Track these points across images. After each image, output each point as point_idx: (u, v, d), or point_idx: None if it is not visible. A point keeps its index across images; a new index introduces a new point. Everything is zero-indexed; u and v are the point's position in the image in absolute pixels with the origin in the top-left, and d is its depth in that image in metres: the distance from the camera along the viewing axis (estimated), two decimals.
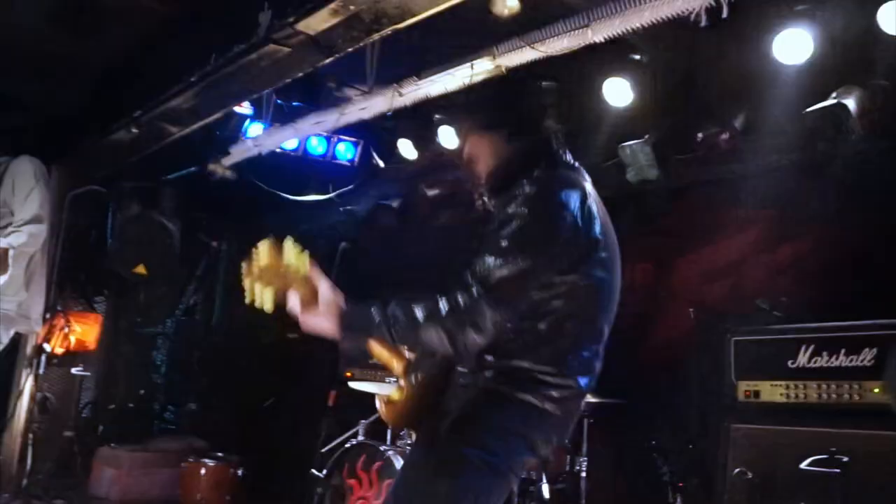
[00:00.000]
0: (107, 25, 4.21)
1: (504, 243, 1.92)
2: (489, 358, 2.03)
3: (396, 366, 2.20)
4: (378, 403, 2.24)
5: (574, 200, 2.04)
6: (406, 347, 1.98)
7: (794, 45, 3.74)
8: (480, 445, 1.95)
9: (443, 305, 1.89)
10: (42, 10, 4.02)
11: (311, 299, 1.93)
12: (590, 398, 4.11)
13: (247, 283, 1.91)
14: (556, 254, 1.99)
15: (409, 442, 4.28)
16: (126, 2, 4.37)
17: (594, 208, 2.11)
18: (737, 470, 3.46)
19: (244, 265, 1.92)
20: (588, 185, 2.18)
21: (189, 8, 4.48)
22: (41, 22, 4.07)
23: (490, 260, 1.91)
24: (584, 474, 4.08)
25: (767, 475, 3.40)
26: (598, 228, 2.09)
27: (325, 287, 1.95)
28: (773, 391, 3.59)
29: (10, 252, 3.78)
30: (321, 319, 1.94)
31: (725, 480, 3.58)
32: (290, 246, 1.93)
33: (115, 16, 4.25)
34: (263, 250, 1.91)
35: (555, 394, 2.00)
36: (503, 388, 2.00)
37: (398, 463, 4.06)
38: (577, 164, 2.23)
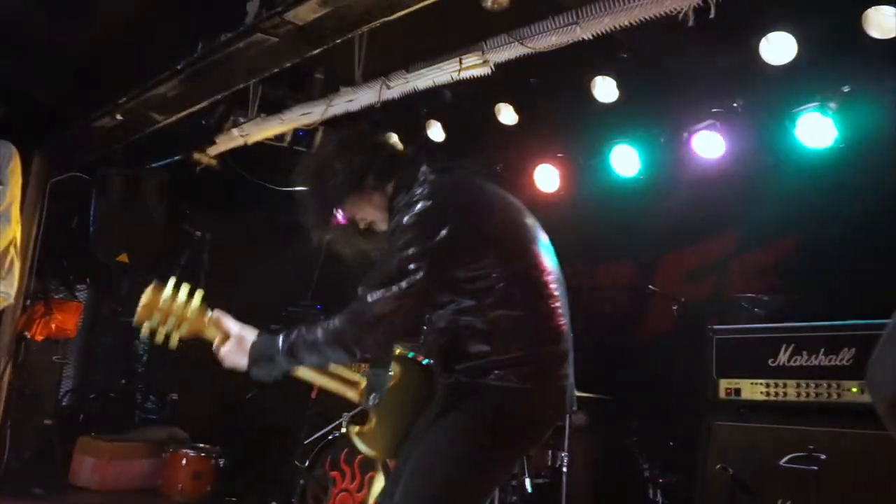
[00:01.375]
0: (92, 9, 4.16)
1: (393, 247, 2.06)
2: (457, 366, 2.09)
3: (351, 394, 2.24)
4: (353, 439, 2.23)
5: (446, 199, 2.12)
6: (323, 367, 2.16)
7: (778, 46, 3.78)
8: (477, 443, 2.00)
9: (335, 320, 2.03)
10: None
11: (224, 339, 2.15)
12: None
13: (144, 323, 2.16)
14: (441, 244, 2.03)
15: None
16: None
17: (479, 200, 2.18)
18: (717, 466, 3.50)
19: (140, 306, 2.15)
20: (472, 179, 2.27)
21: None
22: (24, 4, 4.02)
23: (378, 266, 2.08)
24: (565, 469, 4.11)
25: (747, 471, 3.44)
26: (486, 219, 2.14)
27: (233, 325, 2.16)
28: (753, 389, 3.63)
29: None
30: (234, 355, 2.14)
31: (705, 476, 3.62)
32: (172, 287, 2.14)
33: (103, 4, 4.21)
34: (148, 293, 2.14)
35: (531, 370, 2.04)
36: (480, 381, 2.03)
37: None
38: (456, 164, 2.34)
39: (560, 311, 2.15)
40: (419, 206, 2.07)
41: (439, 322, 2.12)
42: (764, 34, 3.79)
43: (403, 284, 1.97)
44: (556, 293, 2.15)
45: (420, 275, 1.98)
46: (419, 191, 2.14)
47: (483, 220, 2.10)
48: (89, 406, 6.45)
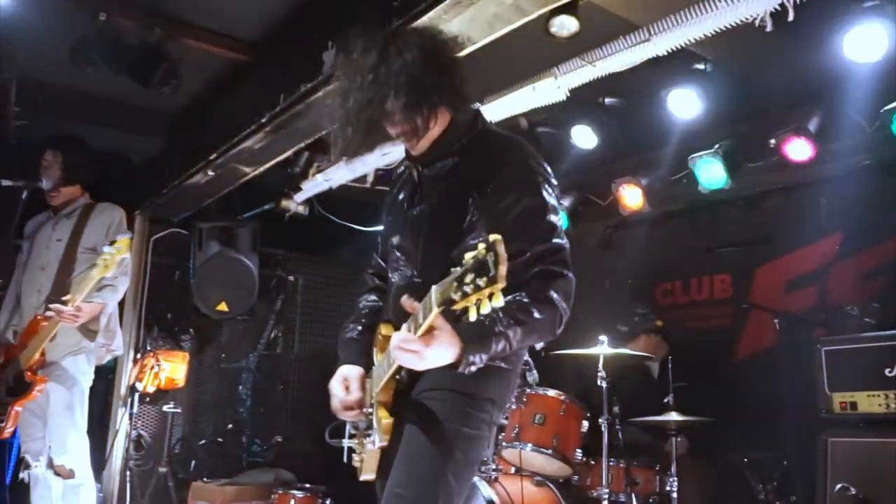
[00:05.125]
0: (180, 74, 4.40)
1: (551, 224, 2.00)
2: None
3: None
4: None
5: None
6: (518, 342, 1.91)
7: (866, 43, 3.62)
8: (474, 425, 2.00)
9: (554, 298, 1.93)
10: (120, 65, 4.24)
11: (425, 335, 1.80)
12: (676, 416, 4.02)
13: None
14: None
15: (493, 467, 4.24)
16: (197, 52, 4.56)
17: None
18: (838, 486, 3.31)
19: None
20: None
21: (257, 52, 4.64)
22: (120, 76, 4.30)
23: (555, 241, 1.98)
24: (675, 494, 3.98)
25: (871, 490, 3.25)
26: None
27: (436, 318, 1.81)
28: (870, 402, 3.43)
29: (104, 308, 3.97)
30: (441, 346, 1.80)
31: (826, 497, 3.43)
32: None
33: (187, 65, 4.44)
34: None
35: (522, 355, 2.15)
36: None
37: (480, 485, 4.03)
38: None
39: None
40: (550, 183, 2.05)
41: None
42: (849, 29, 3.64)
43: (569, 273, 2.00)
44: None
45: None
46: (528, 156, 2.06)
47: None
48: (200, 452, 6.66)
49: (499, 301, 1.57)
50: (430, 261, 2.05)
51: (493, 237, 1.54)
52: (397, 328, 1.97)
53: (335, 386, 2.18)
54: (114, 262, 3.55)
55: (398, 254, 2.19)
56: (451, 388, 1.99)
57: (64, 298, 3.64)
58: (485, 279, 1.54)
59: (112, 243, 3.57)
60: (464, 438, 1.98)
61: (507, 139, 2.15)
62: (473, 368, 1.85)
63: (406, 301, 1.84)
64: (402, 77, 1.97)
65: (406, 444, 1.99)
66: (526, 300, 1.90)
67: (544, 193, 2.01)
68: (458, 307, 1.60)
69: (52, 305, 3.68)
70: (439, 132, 2.13)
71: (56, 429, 3.83)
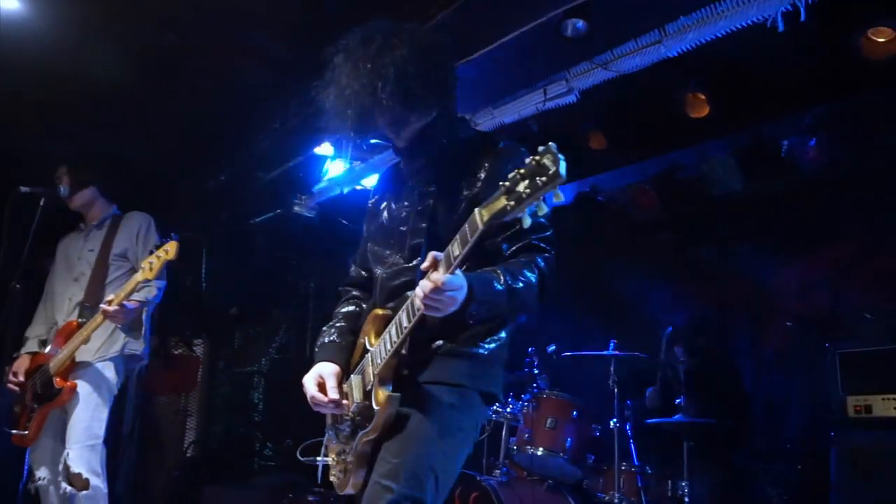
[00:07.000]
0: (196, 82, 4.42)
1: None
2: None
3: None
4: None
5: None
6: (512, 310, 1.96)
7: (883, 40, 3.59)
8: (464, 419, 2.01)
9: (542, 268, 1.96)
10: (134, 67, 4.26)
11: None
12: (685, 419, 3.99)
13: None
14: None
15: (505, 470, 4.23)
16: (213, 60, 4.58)
17: None
18: (852, 491, 3.27)
19: None
20: None
21: (270, 59, 4.66)
22: (136, 77, 4.32)
23: (549, 231, 2.03)
24: (686, 500, 3.94)
25: (886, 495, 3.20)
26: None
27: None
28: (886, 405, 3.39)
29: (144, 308, 3.95)
30: (458, 281, 1.78)
31: (842, 501, 3.39)
32: None
33: (204, 72, 4.46)
34: None
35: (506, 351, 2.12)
36: (485, 350, 2.05)
37: (502, 493, 4.01)
38: None
39: None
40: None
41: None
42: (864, 30, 3.61)
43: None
44: None
45: None
46: (515, 148, 2.08)
47: None
48: (212, 456, 6.68)
49: (560, 199, 1.57)
50: (419, 247, 2.08)
51: (542, 147, 1.56)
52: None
53: (308, 382, 2.18)
54: (159, 265, 3.54)
55: (380, 247, 2.25)
56: (445, 381, 2.00)
57: (108, 298, 3.61)
58: (544, 178, 1.54)
59: (157, 247, 3.55)
60: (454, 432, 1.99)
61: (490, 136, 2.25)
62: (473, 322, 1.88)
63: (430, 255, 1.79)
64: (391, 69, 2.04)
65: (394, 436, 1.97)
66: (520, 262, 1.95)
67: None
68: (511, 216, 1.60)
69: (101, 305, 3.63)
70: (423, 125, 2.17)
71: (76, 434, 3.65)
